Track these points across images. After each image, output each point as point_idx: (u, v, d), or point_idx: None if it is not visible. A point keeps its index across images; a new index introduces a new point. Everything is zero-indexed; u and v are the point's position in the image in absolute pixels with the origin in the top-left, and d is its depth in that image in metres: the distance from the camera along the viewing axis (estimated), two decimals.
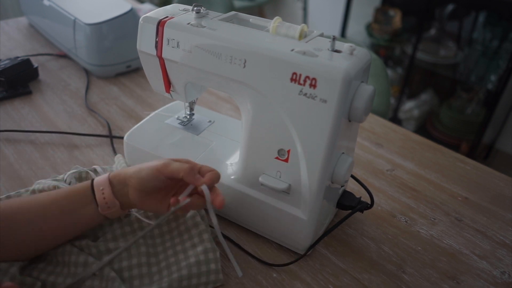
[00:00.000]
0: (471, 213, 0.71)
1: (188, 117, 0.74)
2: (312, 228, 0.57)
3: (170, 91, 0.66)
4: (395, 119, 2.19)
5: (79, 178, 0.64)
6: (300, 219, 0.57)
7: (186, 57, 0.58)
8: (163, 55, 0.60)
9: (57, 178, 0.65)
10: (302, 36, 0.55)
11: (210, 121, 0.74)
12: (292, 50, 0.51)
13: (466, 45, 2.05)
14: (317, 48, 0.52)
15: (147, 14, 0.60)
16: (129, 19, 1.01)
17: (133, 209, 0.59)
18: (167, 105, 0.78)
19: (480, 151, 2.10)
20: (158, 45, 0.60)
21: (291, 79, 0.51)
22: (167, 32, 0.58)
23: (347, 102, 0.50)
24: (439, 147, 0.87)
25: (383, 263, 0.60)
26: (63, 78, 1.02)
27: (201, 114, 0.76)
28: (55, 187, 0.60)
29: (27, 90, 0.94)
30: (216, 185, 0.55)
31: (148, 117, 0.75)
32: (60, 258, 0.53)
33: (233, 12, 0.62)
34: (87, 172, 0.65)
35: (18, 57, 0.98)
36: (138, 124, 0.73)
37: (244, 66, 0.53)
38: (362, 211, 0.62)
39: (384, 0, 2.26)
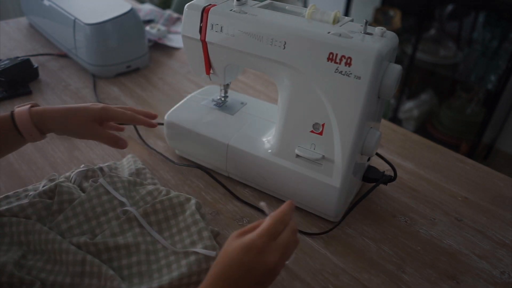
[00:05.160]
0: (471, 213, 0.71)
1: (222, 99, 0.78)
2: (343, 196, 0.62)
3: (210, 73, 0.71)
4: (395, 119, 2.19)
5: (86, 176, 0.64)
6: (333, 187, 0.62)
7: (229, 40, 0.63)
8: (207, 39, 0.65)
9: (65, 176, 0.65)
10: (336, 21, 0.60)
11: (242, 103, 0.79)
12: (329, 32, 0.56)
13: (466, 45, 2.05)
14: (350, 31, 0.57)
15: (191, 2, 0.66)
16: (129, 19, 1.01)
17: (132, 208, 0.59)
18: (200, 89, 0.83)
19: (480, 151, 2.10)
20: (202, 30, 0.65)
21: (328, 59, 0.56)
22: (211, 18, 0.63)
23: (378, 79, 0.56)
24: (438, 147, 0.87)
25: (383, 263, 0.60)
26: (63, 78, 1.02)
27: (234, 96, 0.80)
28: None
29: (27, 90, 0.94)
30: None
31: (184, 100, 0.79)
32: (58, 257, 0.54)
33: (269, 1, 0.67)
34: (93, 171, 0.65)
35: (18, 57, 0.98)
36: (177, 105, 0.77)
37: (284, 48, 0.59)
38: (386, 184, 0.68)
39: (384, 0, 2.26)
